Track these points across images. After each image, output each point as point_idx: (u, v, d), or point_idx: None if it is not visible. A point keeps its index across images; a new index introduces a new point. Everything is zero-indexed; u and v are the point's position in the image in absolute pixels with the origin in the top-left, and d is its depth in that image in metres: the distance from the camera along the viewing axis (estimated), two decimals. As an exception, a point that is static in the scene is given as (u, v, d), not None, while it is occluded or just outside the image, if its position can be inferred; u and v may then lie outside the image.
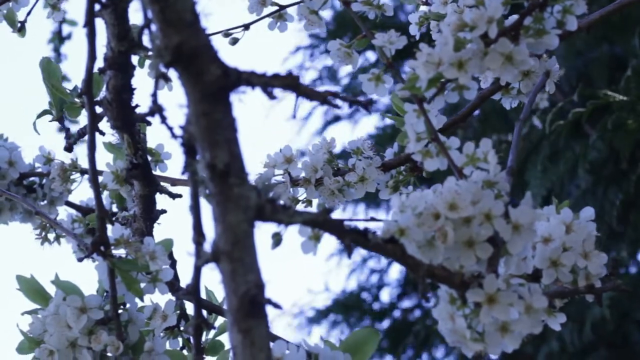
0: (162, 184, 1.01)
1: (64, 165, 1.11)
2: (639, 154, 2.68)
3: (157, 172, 1.05)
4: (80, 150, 1.28)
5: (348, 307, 3.94)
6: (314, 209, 1.05)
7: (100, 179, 1.02)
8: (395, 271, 4.06)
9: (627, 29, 2.73)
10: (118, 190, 1.02)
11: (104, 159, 1.05)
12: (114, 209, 1.13)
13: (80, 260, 0.85)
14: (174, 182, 1.09)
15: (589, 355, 3.04)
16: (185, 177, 0.58)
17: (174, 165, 1.08)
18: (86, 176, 1.11)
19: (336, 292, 4.06)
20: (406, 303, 4.01)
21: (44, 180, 1.19)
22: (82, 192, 1.49)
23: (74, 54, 3.12)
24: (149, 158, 1.02)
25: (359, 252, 4.01)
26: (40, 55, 1.08)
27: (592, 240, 0.76)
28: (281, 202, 0.57)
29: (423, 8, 1.09)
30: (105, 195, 1.12)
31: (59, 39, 3.06)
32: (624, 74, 2.45)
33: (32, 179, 1.19)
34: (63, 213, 1.23)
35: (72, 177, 1.12)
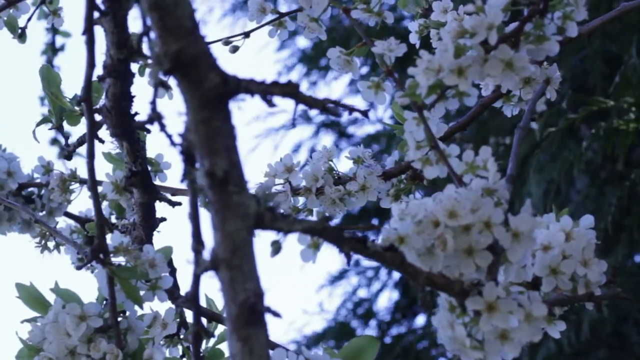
0: (161, 193, 1.01)
1: (63, 176, 1.11)
2: (634, 158, 2.68)
3: (156, 181, 1.05)
4: (78, 159, 1.28)
5: (341, 335, 3.92)
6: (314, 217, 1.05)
7: (100, 189, 1.02)
8: (385, 299, 4.04)
9: (624, 34, 2.72)
10: (117, 200, 1.02)
11: (103, 169, 1.05)
12: (113, 219, 1.13)
13: (79, 268, 0.85)
14: (174, 191, 1.08)
15: (587, 356, 3.03)
16: (185, 186, 0.58)
17: (174, 174, 1.07)
18: (85, 186, 1.11)
19: (327, 322, 4.04)
20: (395, 330, 3.99)
21: (43, 191, 1.18)
22: (81, 203, 1.49)
23: (67, 66, 3.11)
24: (149, 168, 1.02)
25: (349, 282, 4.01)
26: (36, 65, 1.08)
27: (592, 248, 0.76)
28: (280, 210, 0.57)
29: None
30: (104, 205, 1.11)
31: (52, 50, 3.04)
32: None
33: (30, 189, 1.19)
34: (62, 224, 1.23)
35: (71, 187, 1.12)
